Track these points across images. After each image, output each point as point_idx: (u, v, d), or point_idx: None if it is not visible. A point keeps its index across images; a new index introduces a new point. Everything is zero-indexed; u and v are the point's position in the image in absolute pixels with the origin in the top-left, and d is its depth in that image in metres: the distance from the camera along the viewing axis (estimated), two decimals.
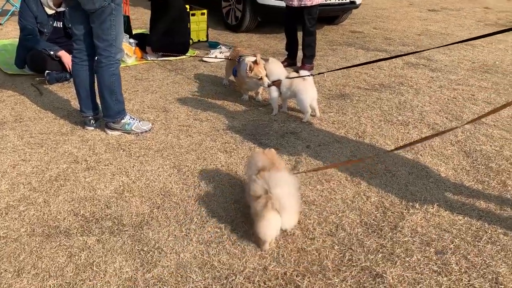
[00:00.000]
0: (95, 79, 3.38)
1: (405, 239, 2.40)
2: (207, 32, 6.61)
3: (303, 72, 3.83)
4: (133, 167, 3.03)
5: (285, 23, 5.35)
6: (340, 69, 4.50)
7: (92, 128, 3.54)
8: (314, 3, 4.99)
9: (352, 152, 3.33)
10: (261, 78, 3.90)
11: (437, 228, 2.50)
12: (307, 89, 3.73)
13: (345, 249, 2.32)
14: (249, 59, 3.96)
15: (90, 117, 3.52)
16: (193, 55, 5.85)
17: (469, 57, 6.27)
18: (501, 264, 2.23)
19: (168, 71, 5.19)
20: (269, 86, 3.86)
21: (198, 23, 6.40)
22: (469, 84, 5.02)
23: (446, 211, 2.66)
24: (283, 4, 6.33)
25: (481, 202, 2.77)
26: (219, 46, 5.98)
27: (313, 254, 2.28)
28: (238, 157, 3.20)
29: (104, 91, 3.31)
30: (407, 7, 10.81)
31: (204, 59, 5.61)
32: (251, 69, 3.87)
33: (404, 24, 8.62)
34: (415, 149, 3.41)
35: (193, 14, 6.26)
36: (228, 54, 5.77)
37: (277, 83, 3.87)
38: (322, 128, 3.73)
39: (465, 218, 2.59)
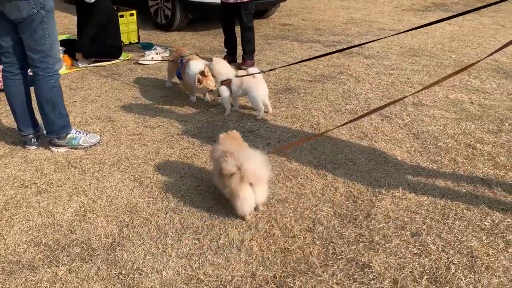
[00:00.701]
0: (32, 93, 3.09)
1: (380, 225, 2.47)
2: (138, 33, 6.34)
3: (252, 70, 3.79)
4: (89, 185, 2.82)
5: (222, 20, 5.27)
6: (293, 63, 4.51)
7: (34, 147, 3.25)
8: None
9: (312, 144, 3.36)
10: (211, 90, 3.84)
11: (407, 211, 2.60)
12: (259, 86, 3.70)
13: (326, 243, 2.33)
14: (194, 64, 3.84)
15: (31, 135, 3.23)
16: (127, 58, 5.59)
17: (396, 42, 6.60)
18: (471, 239, 2.36)
19: (104, 78, 4.91)
20: (221, 83, 3.80)
21: (127, 24, 6.11)
22: (402, 69, 5.27)
23: (411, 193, 2.77)
24: (214, 0, 6.26)
25: (440, 181, 2.91)
26: (154, 47, 5.76)
27: (297, 252, 2.27)
28: (200, 162, 3.10)
29: (45, 106, 3.05)
30: None
31: (140, 61, 5.38)
32: (199, 82, 3.77)
33: (330, 14, 8.88)
34: (368, 136, 3.52)
35: (122, 16, 5.96)
36: (164, 54, 5.60)
37: (227, 82, 3.80)
38: (277, 124, 3.73)
39: (430, 198, 2.71)
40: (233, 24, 5.27)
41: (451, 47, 6.31)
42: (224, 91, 3.81)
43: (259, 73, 3.75)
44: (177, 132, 3.56)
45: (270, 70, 4.00)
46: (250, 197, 2.36)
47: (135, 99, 4.28)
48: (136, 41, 6.30)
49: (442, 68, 5.31)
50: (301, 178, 2.92)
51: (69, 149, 3.24)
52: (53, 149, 3.23)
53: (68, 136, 3.20)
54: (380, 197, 2.73)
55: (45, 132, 3.22)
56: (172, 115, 3.89)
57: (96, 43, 5.16)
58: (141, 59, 5.41)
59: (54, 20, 2.95)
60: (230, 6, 5.02)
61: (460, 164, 3.12)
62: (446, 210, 2.60)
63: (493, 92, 4.52)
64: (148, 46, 6.04)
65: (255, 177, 2.32)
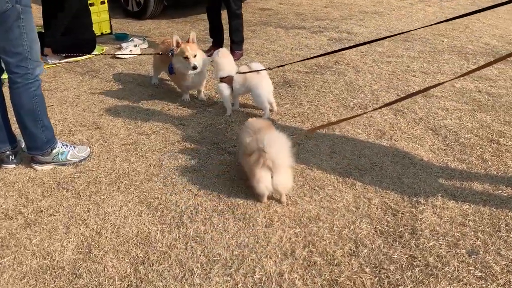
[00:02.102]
0: (9, 103, 2.62)
1: (430, 243, 2.20)
2: (110, 23, 5.78)
3: (255, 65, 3.41)
4: (88, 211, 2.40)
5: (208, 7, 4.83)
6: (303, 60, 4.16)
7: (13, 165, 2.78)
8: None
9: (331, 147, 3.05)
10: (186, 57, 3.40)
11: (453, 223, 2.35)
12: (264, 83, 3.34)
13: (377, 270, 2.05)
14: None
15: (8, 152, 2.75)
16: (102, 52, 5.06)
17: (383, 26, 6.36)
18: None
19: (80, 75, 4.39)
20: (194, 68, 3.40)
21: (98, 13, 5.56)
22: (398, 55, 5.03)
23: (450, 201, 2.52)
24: None
25: (476, 184, 2.68)
26: (131, 39, 5.25)
27: (348, 285, 1.97)
28: (212, 174, 2.73)
29: (26, 118, 2.58)
30: None
31: (118, 55, 4.87)
32: (177, 45, 3.37)
33: None
34: (386, 135, 3.25)
35: (92, 4, 5.39)
36: (143, 46, 5.12)
37: (227, 79, 3.41)
38: (287, 124, 3.39)
39: (472, 207, 2.48)
40: (219, 11, 4.84)
41: (439, 30, 6.13)
42: (225, 89, 3.43)
43: (265, 69, 3.38)
44: (176, 139, 3.16)
45: (279, 66, 3.62)
46: (267, 179, 2.32)
47: (121, 99, 3.82)
48: (109, 31, 5.75)
49: (438, 53, 5.10)
50: (329, 189, 2.61)
51: (55, 166, 2.79)
52: (37, 167, 2.77)
53: (54, 151, 2.75)
54: (419, 207, 2.47)
55: (25, 148, 2.75)
56: (167, 118, 3.47)
57: (67, 36, 4.61)
58: (119, 52, 4.89)
59: (32, 16, 2.47)
60: None
61: (490, 163, 2.91)
62: (495, 220, 2.37)
63: (496, 79, 4.34)
64: (123, 37, 5.52)
65: (274, 161, 2.30)
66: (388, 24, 6.46)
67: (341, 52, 5.14)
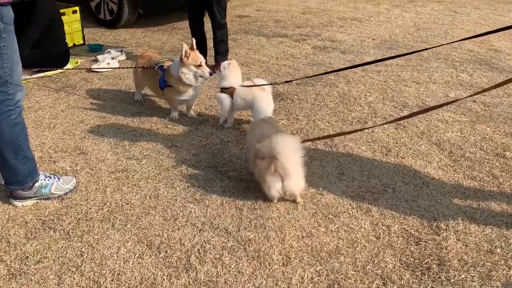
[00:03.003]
0: None
1: (461, 276, 2.05)
2: (83, 33, 5.43)
3: (258, 80, 3.20)
4: (81, 255, 2.12)
5: (191, 18, 4.58)
6: (310, 76, 3.98)
7: None
8: None
9: (338, 168, 2.87)
10: (200, 65, 3.25)
11: (480, 251, 2.21)
12: (268, 100, 3.14)
13: None
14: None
15: None
16: (77, 65, 4.72)
17: (365, 33, 6.28)
18: None
19: (54, 92, 4.05)
20: (210, 74, 3.26)
21: (70, 23, 5.20)
22: (386, 64, 4.93)
23: (471, 224, 2.39)
24: None
25: (492, 203, 2.57)
26: (107, 51, 4.92)
27: None
28: (215, 205, 2.50)
29: (5, 149, 2.28)
30: None
31: (94, 68, 4.55)
32: (186, 55, 3.20)
33: (283, 3, 8.39)
34: (392, 152, 3.10)
35: (63, 14, 5.03)
36: (121, 58, 4.81)
37: (229, 91, 3.20)
38: None
39: (495, 230, 2.35)
40: (202, 21, 4.60)
41: (421, 37, 6.10)
42: (226, 100, 3.21)
43: (270, 84, 3.18)
44: (171, 163, 2.90)
45: (287, 82, 3.42)
46: (277, 184, 2.35)
47: (103, 119, 3.52)
48: (82, 42, 5.40)
49: (425, 61, 5.04)
50: (344, 217, 2.42)
51: (38, 201, 2.48)
52: (17, 203, 2.45)
53: (36, 184, 2.45)
54: (442, 234, 2.31)
55: (3, 183, 2.43)
56: (157, 139, 3.21)
57: (38, 49, 4.25)
58: (95, 66, 4.57)
59: (14, 36, 2.18)
60: (199, 1, 4.34)
61: (501, 180, 2.81)
62: None
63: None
64: (97, 48, 5.19)
65: (286, 168, 2.30)
66: (369, 31, 6.39)
67: (328, 62, 5.00)
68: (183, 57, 3.23)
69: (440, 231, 2.34)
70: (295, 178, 2.36)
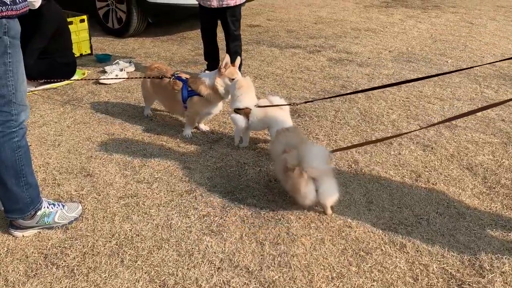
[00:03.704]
0: None
1: None
2: (90, 42, 5.25)
3: (274, 99, 2.99)
4: None
5: (203, 28, 4.39)
6: (331, 97, 3.76)
7: None
8: (238, 2, 4.12)
9: (365, 195, 2.65)
10: (234, 79, 3.14)
11: None
12: (286, 119, 2.92)
13: None
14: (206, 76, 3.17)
15: None
16: (84, 76, 4.52)
17: (381, 45, 6.07)
18: None
19: (60, 106, 3.85)
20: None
21: (77, 32, 5.01)
22: (406, 78, 4.71)
23: None
24: (182, 1, 5.34)
25: None
26: (115, 62, 4.73)
27: None
28: (234, 238, 2.27)
29: (5, 175, 2.07)
30: None
31: (102, 80, 4.35)
32: (226, 67, 3.13)
33: (294, 12, 8.21)
34: (423, 178, 2.87)
35: (70, 23, 4.86)
36: (130, 69, 4.61)
37: (245, 111, 2.99)
38: None
39: None
40: (215, 32, 4.41)
41: (439, 49, 5.88)
42: (240, 121, 3.00)
43: (288, 105, 2.96)
44: (184, 187, 2.69)
45: (306, 102, 3.19)
46: (311, 192, 2.30)
47: (111, 136, 3.31)
48: (89, 52, 5.21)
49: (447, 76, 4.81)
50: (377, 254, 2.19)
51: (40, 231, 2.26)
52: (17, 233, 2.24)
53: (39, 213, 2.24)
54: (486, 276, 2.08)
55: (3, 210, 2.22)
56: (169, 160, 2.99)
57: (45, 60, 4.07)
58: (103, 77, 4.37)
59: (20, 51, 1.99)
60: (213, 11, 4.14)
61: None
62: None
63: None
64: (105, 59, 5.00)
65: (316, 172, 2.28)
66: (385, 43, 6.17)
67: (346, 76, 4.79)
68: (222, 67, 3.13)
69: (484, 272, 2.10)
70: (329, 184, 2.34)
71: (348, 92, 3.55)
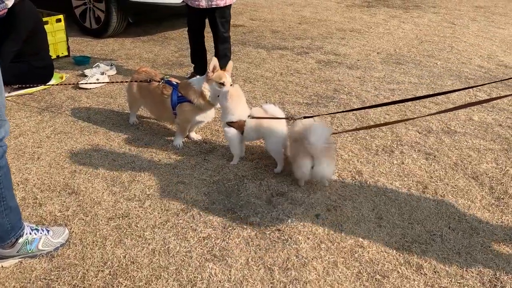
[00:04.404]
0: None
1: None
2: (68, 43, 4.94)
3: (270, 108, 2.80)
4: None
5: (190, 29, 4.16)
6: (340, 112, 3.58)
7: None
8: (227, 3, 3.92)
9: (374, 210, 2.50)
10: (223, 83, 2.91)
11: None
12: (282, 129, 2.74)
13: None
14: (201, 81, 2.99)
15: None
16: (62, 81, 4.24)
17: (368, 46, 5.97)
18: None
19: (37, 113, 3.57)
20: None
21: (53, 33, 4.71)
22: (398, 81, 4.62)
23: None
24: (165, 0, 5.11)
25: None
26: (96, 64, 4.45)
27: None
28: (239, 264, 2.08)
29: None
30: None
31: (82, 85, 4.08)
32: (213, 70, 2.92)
33: (278, 12, 8.04)
34: (429, 189, 2.75)
35: (46, 22, 4.55)
36: (111, 73, 4.35)
37: (238, 124, 2.78)
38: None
39: None
40: (203, 34, 4.19)
41: (426, 50, 5.82)
42: (234, 136, 2.79)
43: (288, 119, 2.78)
44: (180, 206, 2.48)
45: (306, 117, 2.85)
46: (306, 167, 2.47)
47: (95, 147, 3.07)
48: (66, 54, 4.91)
49: (438, 78, 4.74)
50: (394, 277, 2.04)
51: (22, 259, 2.02)
52: None
53: (20, 240, 2.00)
54: None
55: None
56: (160, 174, 2.78)
57: (18, 63, 3.77)
58: (83, 82, 4.09)
59: None
60: (201, 12, 3.93)
61: None
62: None
63: (510, 109, 4.01)
64: (84, 61, 4.72)
65: (316, 150, 2.42)
66: (372, 44, 6.08)
67: (335, 78, 4.65)
68: (209, 71, 2.93)
69: None
70: (328, 160, 2.48)
71: (354, 108, 3.37)
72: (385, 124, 2.87)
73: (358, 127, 3.17)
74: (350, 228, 2.34)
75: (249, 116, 2.78)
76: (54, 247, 2.09)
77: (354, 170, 2.90)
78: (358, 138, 3.33)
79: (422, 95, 4.18)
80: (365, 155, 3.10)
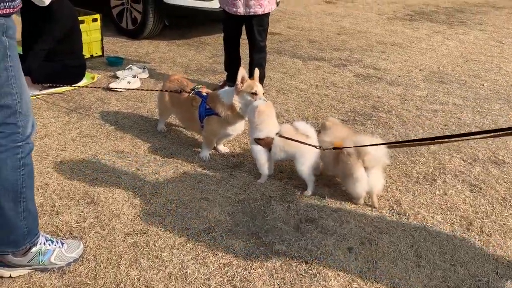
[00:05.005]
0: None
1: None
2: (102, 43, 4.90)
3: (301, 126, 2.61)
4: None
5: (226, 36, 4.03)
6: (384, 144, 3.41)
7: None
8: (266, 11, 3.76)
9: (412, 246, 2.27)
10: (255, 93, 2.75)
11: None
12: (313, 151, 2.55)
13: None
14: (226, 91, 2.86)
15: None
16: (93, 81, 4.18)
17: (410, 62, 5.69)
18: None
19: (65, 114, 3.51)
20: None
21: (89, 32, 4.67)
22: (442, 102, 4.34)
23: None
24: (202, 4, 5.01)
25: None
26: (128, 66, 4.38)
27: None
28: None
29: (3, 196, 1.75)
30: None
31: (112, 86, 4.00)
32: (242, 81, 2.76)
33: (316, 21, 7.85)
34: (475, 226, 2.49)
35: (82, 22, 4.51)
36: (144, 76, 4.27)
37: (266, 141, 2.61)
38: (343, 204, 2.59)
39: None
40: (239, 42, 4.05)
41: (472, 70, 5.50)
42: (261, 154, 2.62)
43: (316, 147, 2.57)
44: (201, 225, 2.32)
45: (334, 149, 2.51)
46: (363, 177, 2.39)
47: (120, 154, 2.96)
48: (100, 54, 4.87)
49: (484, 101, 4.43)
50: None
51: (32, 271, 1.91)
52: (2, 271, 1.90)
53: (34, 249, 1.91)
54: None
55: None
56: (184, 188, 2.63)
57: (52, 63, 3.73)
58: (113, 84, 4.02)
59: (17, 52, 1.72)
60: (239, 19, 3.79)
61: None
62: None
63: None
64: (117, 62, 4.66)
65: (372, 160, 2.38)
66: (414, 59, 5.80)
67: (374, 93, 4.42)
68: (238, 83, 2.77)
69: None
70: (379, 173, 2.46)
71: (421, 139, 3.09)
72: (424, 140, 2.65)
73: (413, 139, 3.09)
74: (386, 266, 2.12)
75: (277, 133, 2.60)
76: (66, 262, 1.98)
77: (392, 199, 2.67)
78: (398, 163, 3.10)
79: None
80: (404, 182, 2.87)
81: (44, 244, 1.94)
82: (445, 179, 2.94)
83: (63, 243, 2.00)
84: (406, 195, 2.72)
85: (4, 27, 1.62)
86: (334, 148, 2.50)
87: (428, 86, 4.78)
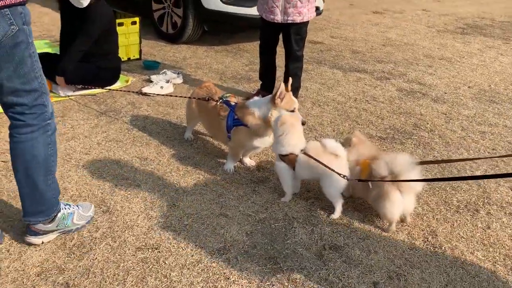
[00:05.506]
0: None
1: None
2: (140, 47, 4.90)
3: (330, 143, 2.42)
4: None
5: (263, 44, 3.91)
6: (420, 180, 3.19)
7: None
8: (304, 20, 3.60)
9: (446, 284, 2.03)
10: (293, 111, 2.64)
11: None
12: (340, 171, 2.35)
13: None
14: (252, 103, 2.74)
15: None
16: (127, 84, 4.16)
17: (459, 78, 5.35)
18: None
19: (95, 116, 3.48)
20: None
21: (127, 35, 4.68)
22: (491, 124, 4.01)
23: None
24: (241, 11, 4.90)
25: None
26: (163, 71, 4.33)
27: None
28: None
29: (36, 172, 1.93)
30: (349, 8, 9.89)
31: (145, 90, 3.96)
32: (281, 97, 2.60)
33: (361, 31, 7.59)
34: None
35: (121, 24, 4.52)
36: (177, 81, 4.20)
37: (290, 158, 2.44)
38: (372, 232, 2.38)
39: None
40: (275, 50, 3.91)
41: None
42: (285, 172, 2.46)
43: (345, 177, 2.37)
44: (216, 244, 2.18)
45: (359, 180, 2.35)
46: (400, 201, 2.26)
47: (143, 162, 2.88)
48: (138, 57, 4.87)
49: None
50: None
51: (59, 234, 2.10)
52: (35, 240, 2.05)
53: (59, 215, 2.08)
54: None
55: (22, 215, 2.03)
56: (203, 202, 2.51)
57: (87, 65, 3.72)
58: (146, 89, 3.98)
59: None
60: (275, 26, 3.65)
61: None
62: None
63: None
64: (153, 66, 4.63)
65: (406, 185, 2.25)
66: (463, 76, 5.45)
67: (417, 110, 4.16)
68: (276, 97, 2.61)
69: None
70: (412, 195, 2.34)
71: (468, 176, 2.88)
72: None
73: (446, 159, 2.84)
74: None
75: (302, 150, 2.43)
76: (86, 220, 2.20)
77: (427, 229, 2.43)
78: (437, 189, 2.85)
79: None
80: (442, 211, 2.62)
81: (65, 208, 2.11)
82: (489, 210, 2.67)
83: (78, 206, 2.19)
84: (443, 226, 2.47)
85: (23, 16, 1.71)
86: (359, 180, 2.31)
87: (477, 105, 4.45)
